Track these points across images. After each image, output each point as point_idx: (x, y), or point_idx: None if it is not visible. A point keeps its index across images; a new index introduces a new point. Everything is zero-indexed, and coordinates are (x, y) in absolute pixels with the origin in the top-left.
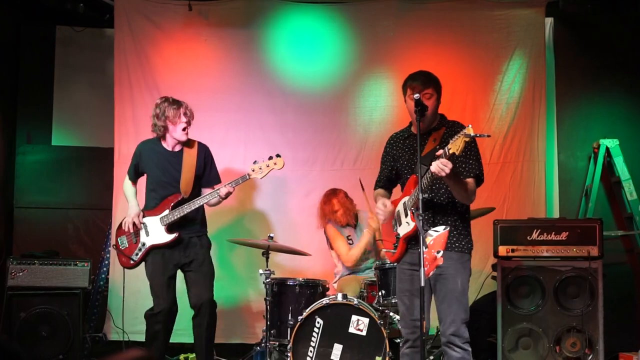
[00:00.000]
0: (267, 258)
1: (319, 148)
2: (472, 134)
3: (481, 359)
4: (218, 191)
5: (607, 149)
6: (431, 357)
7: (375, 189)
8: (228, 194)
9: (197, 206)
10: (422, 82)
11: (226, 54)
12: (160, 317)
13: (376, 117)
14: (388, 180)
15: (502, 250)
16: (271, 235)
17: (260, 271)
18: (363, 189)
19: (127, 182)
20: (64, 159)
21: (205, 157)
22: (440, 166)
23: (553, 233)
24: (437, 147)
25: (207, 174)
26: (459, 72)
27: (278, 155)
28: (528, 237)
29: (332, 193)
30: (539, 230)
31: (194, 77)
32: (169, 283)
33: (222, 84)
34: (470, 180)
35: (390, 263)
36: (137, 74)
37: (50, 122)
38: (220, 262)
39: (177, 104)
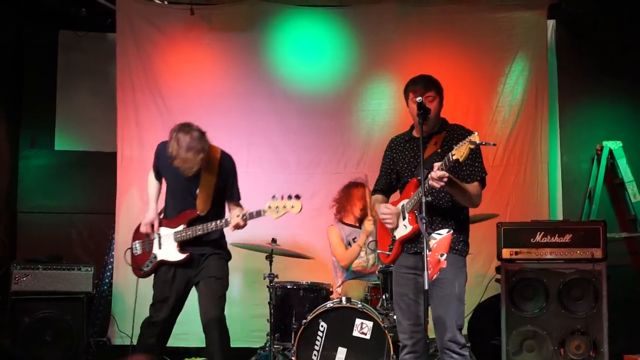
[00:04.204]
0: (271, 262)
1: (322, 151)
2: (477, 142)
3: None
4: (228, 220)
5: (610, 150)
6: None
7: (372, 194)
8: (237, 228)
9: (208, 231)
10: (423, 85)
11: (229, 58)
12: (156, 331)
13: (379, 120)
14: (387, 185)
15: (506, 252)
16: (275, 238)
17: (264, 275)
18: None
19: (151, 178)
20: (67, 163)
21: (227, 171)
22: (435, 181)
23: (557, 235)
24: (439, 150)
25: (229, 189)
26: (462, 75)
27: (297, 197)
28: (532, 240)
29: (355, 184)
30: (542, 233)
31: (196, 81)
32: (174, 303)
33: (224, 87)
34: (476, 184)
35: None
36: (140, 78)
37: (53, 126)
38: None
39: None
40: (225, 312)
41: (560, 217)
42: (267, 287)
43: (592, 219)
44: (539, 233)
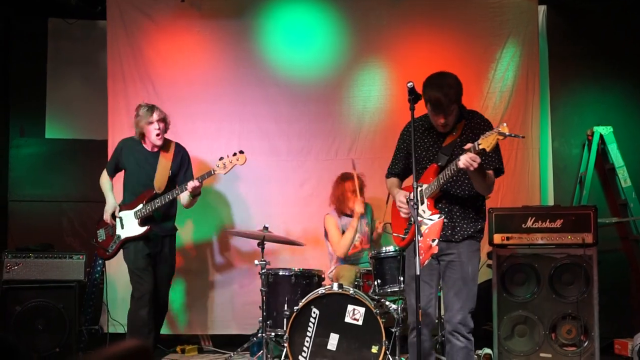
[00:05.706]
0: (263, 249)
1: (313, 138)
2: (506, 133)
3: (477, 347)
4: (186, 185)
5: (601, 136)
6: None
7: (387, 176)
8: (195, 188)
9: (168, 200)
10: (444, 112)
11: (219, 45)
12: (146, 300)
13: (370, 106)
14: (403, 169)
15: (497, 238)
16: (266, 225)
17: (256, 262)
18: (354, 168)
19: (105, 177)
20: (58, 151)
21: (181, 158)
22: (470, 161)
23: (548, 221)
24: (458, 139)
25: (182, 174)
26: (452, 61)
27: (241, 152)
28: (523, 225)
29: (346, 177)
30: (533, 218)
31: (186, 69)
32: (148, 269)
33: (215, 75)
34: (490, 172)
35: (385, 252)
36: (130, 65)
37: (44, 115)
38: (216, 252)
39: (150, 110)
40: (218, 299)
41: (551, 202)
42: (259, 273)
43: (583, 204)
44: (530, 218)
